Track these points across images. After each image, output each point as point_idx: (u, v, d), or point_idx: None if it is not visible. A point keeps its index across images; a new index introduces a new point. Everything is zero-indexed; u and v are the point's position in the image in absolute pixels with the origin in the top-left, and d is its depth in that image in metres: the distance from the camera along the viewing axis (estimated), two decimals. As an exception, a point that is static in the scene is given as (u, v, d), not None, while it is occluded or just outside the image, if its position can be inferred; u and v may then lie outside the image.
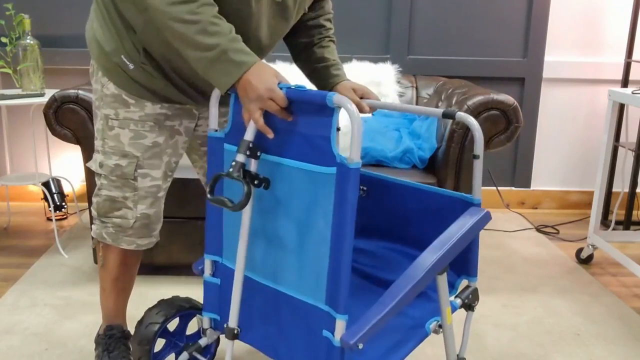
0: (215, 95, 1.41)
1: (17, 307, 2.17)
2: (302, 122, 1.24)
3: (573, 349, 1.97)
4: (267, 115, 1.29)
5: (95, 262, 2.39)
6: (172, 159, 1.57)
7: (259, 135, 1.31)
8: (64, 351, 1.90)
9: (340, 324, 1.20)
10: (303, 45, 1.63)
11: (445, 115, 1.43)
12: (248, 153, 1.27)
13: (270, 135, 1.29)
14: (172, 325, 1.66)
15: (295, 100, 1.24)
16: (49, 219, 3.06)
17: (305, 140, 1.24)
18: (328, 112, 1.18)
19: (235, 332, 1.40)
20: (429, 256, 1.25)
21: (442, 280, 1.31)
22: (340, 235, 1.18)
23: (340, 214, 1.17)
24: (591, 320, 2.16)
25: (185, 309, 1.62)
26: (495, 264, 2.64)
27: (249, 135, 1.28)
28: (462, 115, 1.40)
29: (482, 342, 2.00)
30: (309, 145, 1.23)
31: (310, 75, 1.65)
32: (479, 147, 1.40)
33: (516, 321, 2.14)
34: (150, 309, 1.60)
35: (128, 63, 1.45)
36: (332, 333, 1.23)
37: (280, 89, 1.24)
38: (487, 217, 1.34)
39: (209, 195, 1.28)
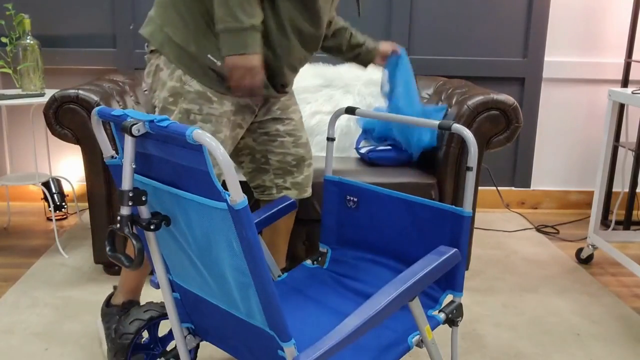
0: (95, 120, 1.28)
1: (17, 307, 2.17)
2: (184, 155, 1.13)
3: (573, 349, 1.97)
4: (152, 145, 1.17)
5: (96, 261, 2.39)
6: (228, 148, 1.70)
7: (149, 166, 1.21)
8: (64, 351, 1.90)
9: (289, 350, 1.15)
10: (338, 47, 1.94)
11: (442, 127, 1.44)
12: (131, 203, 1.18)
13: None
14: (146, 336, 1.63)
15: (160, 134, 1.13)
16: (49, 219, 3.06)
17: (193, 174, 1.15)
18: (197, 147, 1.06)
19: None
20: (392, 289, 1.18)
21: (415, 306, 1.28)
22: (254, 267, 1.10)
23: (246, 248, 1.09)
24: (591, 320, 2.16)
25: (159, 316, 1.59)
26: (495, 264, 2.64)
27: (125, 185, 1.17)
28: (457, 127, 1.41)
29: (482, 342, 2.00)
30: (198, 178, 1.14)
31: (355, 60, 1.96)
32: (472, 159, 1.40)
33: (516, 321, 2.14)
34: (125, 317, 1.57)
35: (216, 61, 1.57)
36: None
37: (147, 120, 1.14)
38: (455, 257, 1.28)
39: (108, 252, 1.22)
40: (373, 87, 2.78)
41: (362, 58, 1.95)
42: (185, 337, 1.53)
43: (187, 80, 1.60)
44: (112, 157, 1.34)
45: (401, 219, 1.58)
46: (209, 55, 1.57)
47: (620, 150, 3.20)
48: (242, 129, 1.72)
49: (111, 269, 2.44)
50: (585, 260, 2.66)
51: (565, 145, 3.34)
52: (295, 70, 1.73)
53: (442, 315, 1.44)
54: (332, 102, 2.76)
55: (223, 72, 1.58)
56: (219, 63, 1.57)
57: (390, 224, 1.61)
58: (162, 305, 1.60)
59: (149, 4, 3.03)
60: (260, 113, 1.79)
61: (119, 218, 1.18)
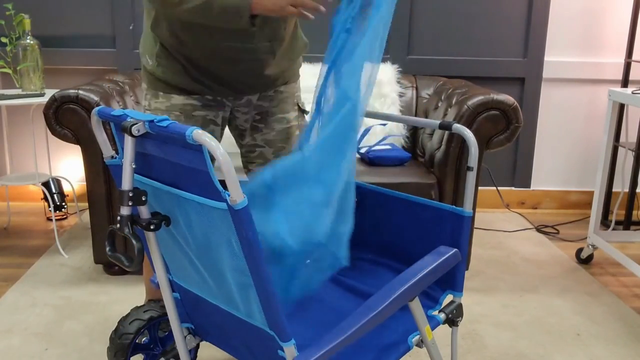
0: (95, 120, 1.29)
1: (17, 307, 2.17)
2: (184, 155, 1.12)
3: (573, 349, 1.97)
4: (152, 145, 1.17)
5: (95, 261, 2.39)
6: None
7: (149, 166, 1.21)
8: (64, 351, 1.90)
9: (289, 350, 1.15)
10: None
11: (442, 127, 1.45)
12: (131, 203, 1.17)
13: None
14: (148, 335, 1.62)
15: (159, 134, 1.12)
16: (49, 219, 3.06)
17: (193, 174, 1.13)
18: (197, 147, 1.05)
19: None
20: (392, 289, 1.17)
21: (415, 306, 1.28)
22: (254, 267, 1.09)
23: (246, 248, 1.08)
24: (591, 320, 2.16)
25: (159, 316, 1.60)
26: (495, 264, 2.64)
27: (126, 185, 1.17)
28: (458, 127, 1.41)
29: (482, 342, 2.00)
30: (198, 178, 1.13)
31: None
32: (473, 159, 1.40)
33: (516, 321, 2.14)
34: (125, 317, 1.57)
35: (149, 60, 1.60)
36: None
37: (147, 120, 1.13)
38: (455, 257, 1.28)
39: (108, 252, 1.23)
40: (373, 88, 2.78)
41: None
42: (185, 337, 1.53)
43: (144, 89, 1.68)
44: (112, 157, 1.35)
45: (401, 219, 1.58)
46: (146, 56, 1.60)
47: (620, 150, 3.20)
48: (219, 127, 1.66)
49: (111, 269, 2.44)
50: (585, 260, 2.66)
51: (565, 145, 3.34)
52: (230, 63, 1.57)
53: (442, 315, 1.44)
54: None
55: (155, 74, 1.60)
56: (150, 62, 1.60)
57: (390, 224, 1.61)
58: (162, 305, 1.60)
59: (149, 4, 3.03)
60: (240, 116, 1.70)
61: (119, 218, 1.18)
